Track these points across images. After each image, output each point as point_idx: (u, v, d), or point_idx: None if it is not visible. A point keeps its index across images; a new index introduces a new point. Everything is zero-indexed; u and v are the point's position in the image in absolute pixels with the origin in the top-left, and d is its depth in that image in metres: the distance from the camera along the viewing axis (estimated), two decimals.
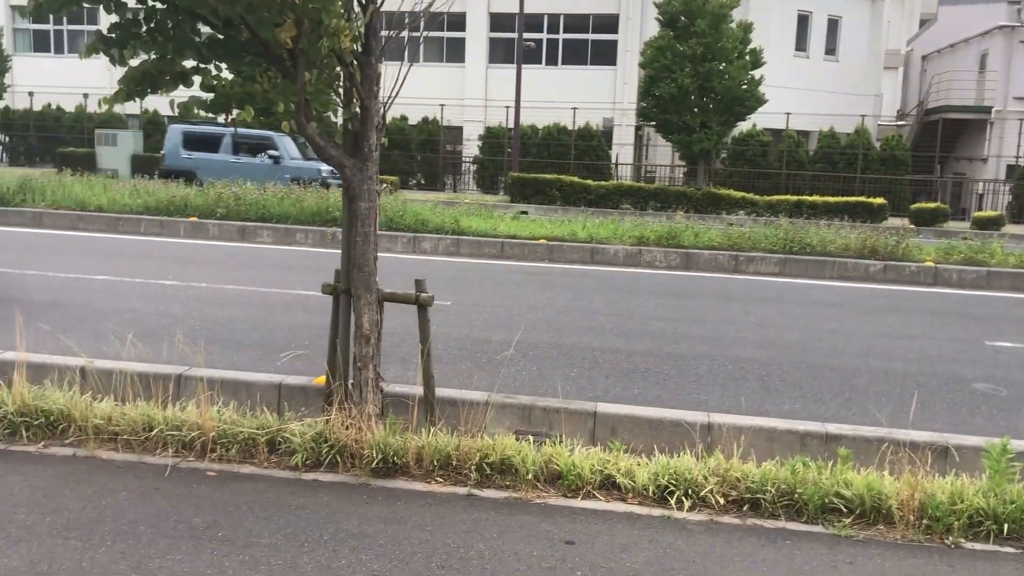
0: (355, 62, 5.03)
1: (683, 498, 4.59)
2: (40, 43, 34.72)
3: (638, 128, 31.26)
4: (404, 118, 28.65)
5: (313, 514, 4.30)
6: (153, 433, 5.02)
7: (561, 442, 5.05)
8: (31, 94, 31.88)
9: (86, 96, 31.19)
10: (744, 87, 24.40)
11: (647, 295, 10.96)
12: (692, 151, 25.31)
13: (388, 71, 5.23)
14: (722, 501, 4.59)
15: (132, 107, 31.17)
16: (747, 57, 24.57)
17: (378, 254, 5.36)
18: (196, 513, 4.25)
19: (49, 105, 31.90)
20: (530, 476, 4.70)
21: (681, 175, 29.60)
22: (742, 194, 23.54)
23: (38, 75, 33.07)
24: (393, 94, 5.22)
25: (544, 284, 11.53)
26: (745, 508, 4.60)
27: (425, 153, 29.90)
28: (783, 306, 10.73)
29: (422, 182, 30.05)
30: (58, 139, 30.84)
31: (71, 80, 32.02)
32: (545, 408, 5.52)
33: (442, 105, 29.02)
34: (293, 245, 14.60)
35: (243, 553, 3.86)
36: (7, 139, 32.22)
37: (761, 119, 26.58)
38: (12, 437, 5.08)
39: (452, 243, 14.39)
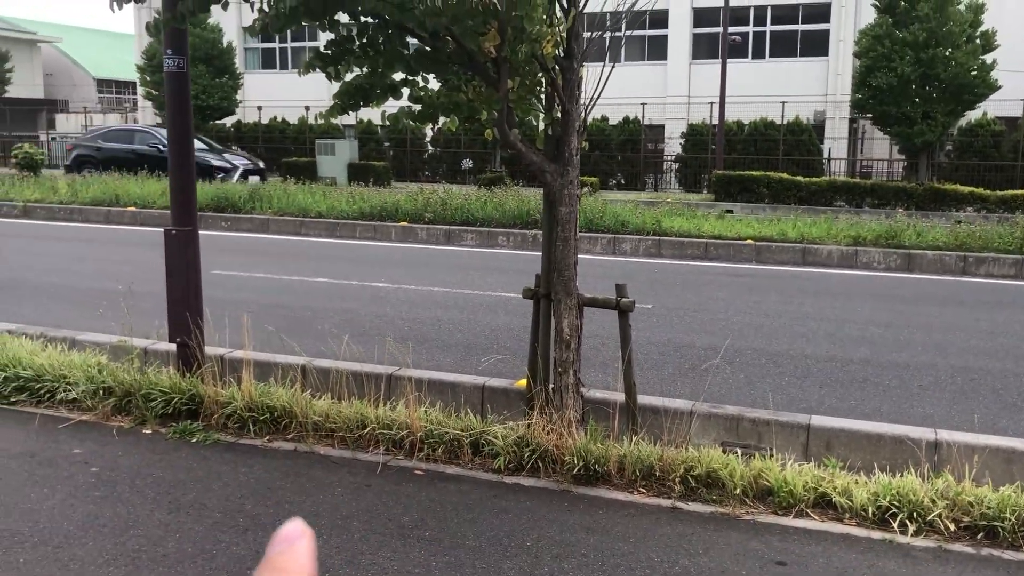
0: (556, 67, 5.04)
1: (907, 521, 4.25)
2: (267, 60, 37.53)
3: (852, 121, 29.65)
4: (604, 119, 28.62)
5: (516, 519, 4.33)
6: (366, 431, 5.24)
7: (771, 456, 4.82)
8: (259, 108, 34.46)
9: (307, 108, 33.34)
10: (973, 73, 22.54)
11: (864, 299, 10.33)
12: (913, 144, 23.67)
13: (588, 73, 5.20)
14: (952, 527, 4.21)
15: (348, 118, 33.11)
16: (977, 41, 22.68)
17: (578, 257, 5.34)
18: (405, 511, 4.38)
19: (275, 118, 34.37)
20: (738, 491, 4.52)
21: (900, 170, 27.78)
22: (970, 189, 21.72)
23: (265, 90, 35.79)
24: (595, 96, 5.19)
25: (751, 287, 11.13)
26: (979, 536, 4.20)
27: (626, 153, 29.71)
28: (1021, 312, 9.79)
29: (622, 182, 29.87)
30: (283, 149, 33.15)
31: (294, 94, 34.38)
32: (754, 419, 5.29)
33: (643, 104, 28.73)
34: (495, 247, 14.91)
35: (449, 554, 3.94)
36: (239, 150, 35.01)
37: (993, 107, 24.47)
38: (241, 431, 5.46)
39: (653, 244, 14.20)
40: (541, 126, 5.49)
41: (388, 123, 5.40)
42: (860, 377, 6.90)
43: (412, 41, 5.06)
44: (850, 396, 6.40)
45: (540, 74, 5.15)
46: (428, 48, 5.01)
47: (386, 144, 32.05)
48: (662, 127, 30.74)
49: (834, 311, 9.50)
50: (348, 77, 5.10)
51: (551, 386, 5.28)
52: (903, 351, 7.75)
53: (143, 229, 16.87)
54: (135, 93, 46.33)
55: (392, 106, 5.46)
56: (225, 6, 4.77)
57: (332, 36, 5.06)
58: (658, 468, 4.72)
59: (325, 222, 16.41)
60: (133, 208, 18.06)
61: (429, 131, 30.31)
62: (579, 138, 5.13)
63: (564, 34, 5.01)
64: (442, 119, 5.32)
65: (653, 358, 7.28)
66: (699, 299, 10.06)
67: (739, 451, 4.88)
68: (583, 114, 5.15)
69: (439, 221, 15.91)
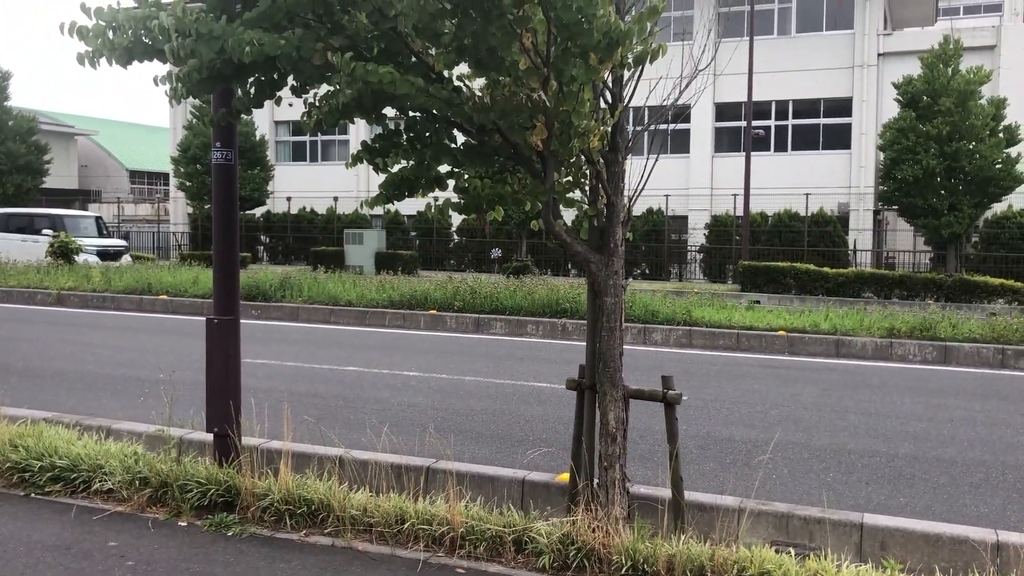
0: (601, 160, 5.08)
1: None
2: (297, 153, 38.34)
3: (876, 212, 29.75)
4: (628, 210, 28.89)
5: None
6: (405, 526, 5.12)
7: (825, 556, 4.65)
8: (288, 199, 35.13)
9: (335, 199, 33.96)
10: (998, 166, 22.69)
11: (903, 392, 10.15)
12: (940, 235, 23.70)
13: (631, 165, 5.24)
14: None
15: (376, 208, 33.86)
16: (1000, 135, 22.91)
17: (623, 348, 5.28)
18: None
19: (304, 208, 35.04)
20: None
21: (926, 261, 27.73)
22: (1001, 281, 21.55)
23: (294, 181, 36.54)
24: (639, 188, 5.23)
25: (786, 378, 10.99)
26: None
27: (650, 243, 29.89)
28: None
29: (647, 272, 29.99)
30: (311, 238, 33.65)
31: (322, 185, 35.16)
32: (805, 517, 5.13)
33: (666, 196, 29.00)
34: (524, 336, 14.87)
35: None
36: (268, 240, 35.54)
37: (1019, 199, 24.54)
38: (277, 524, 5.35)
39: (684, 334, 14.14)
40: (569, 220, 5.48)
41: (433, 215, 5.48)
42: (907, 473, 6.71)
43: (458, 134, 5.13)
44: (899, 493, 6.22)
45: (585, 167, 5.18)
46: (475, 142, 5.07)
47: (412, 234, 32.48)
48: (685, 218, 30.98)
49: (873, 404, 9.32)
50: (395, 169, 5.15)
51: (596, 481, 5.15)
52: (949, 446, 7.56)
53: (175, 317, 17.01)
54: (166, 184, 47.41)
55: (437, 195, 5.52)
56: (278, 102, 4.87)
57: (379, 130, 5.15)
58: (709, 569, 4.54)
59: (355, 310, 16.51)
60: (165, 296, 18.24)
61: (456, 221, 30.78)
62: (623, 229, 5.14)
63: (610, 128, 5.06)
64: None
65: (693, 452, 7.13)
66: (735, 391, 9.93)
67: (792, 551, 4.71)
68: (627, 205, 5.17)
69: (468, 310, 15.95)
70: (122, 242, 29.47)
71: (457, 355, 12.46)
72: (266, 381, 9.74)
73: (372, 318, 16.30)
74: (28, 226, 27.51)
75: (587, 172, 5.20)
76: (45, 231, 26.47)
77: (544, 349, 13.25)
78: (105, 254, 26.41)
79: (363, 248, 28.06)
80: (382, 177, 5.23)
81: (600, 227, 5.15)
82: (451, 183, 5.26)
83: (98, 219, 29.25)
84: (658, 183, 30.53)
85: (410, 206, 27.96)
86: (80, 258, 24.28)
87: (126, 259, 27.17)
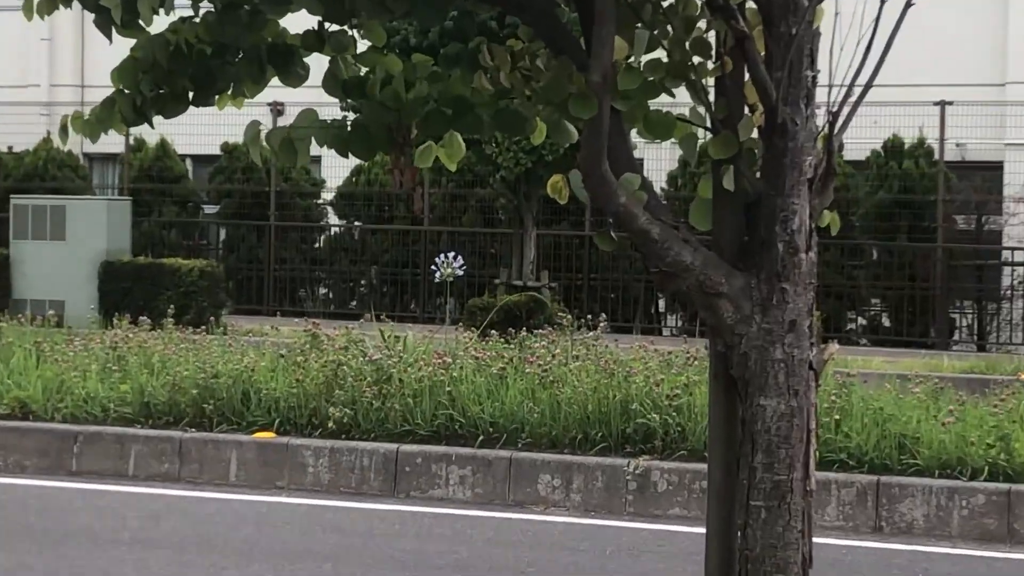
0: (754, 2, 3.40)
1: None
2: None
3: None
4: (828, 145, 19.35)
5: None
6: None
7: None
8: None
9: None
10: None
11: None
12: None
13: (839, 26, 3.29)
14: None
15: (110, 139, 20.22)
16: None
17: (811, 545, 3.23)
18: None
19: None
20: None
21: None
22: None
23: None
24: (856, 88, 3.17)
25: None
26: None
27: (885, 235, 18.17)
28: None
29: (881, 317, 18.39)
30: None
31: None
32: None
33: (940, 103, 17.68)
34: (525, 507, 9.00)
35: None
36: None
37: None
38: None
39: (992, 506, 8.92)
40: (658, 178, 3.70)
41: (268, 156, 3.45)
42: None
43: None
44: None
45: (703, 20, 3.51)
46: None
47: (209, 211, 21.34)
48: (998, 168, 19.08)
49: None
50: (158, 26, 3.35)
51: None
52: None
53: None
54: None
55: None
56: None
57: None
58: None
59: (39, 432, 10.29)
60: None
61: (333, 176, 19.12)
62: (816, 199, 3.25)
63: None
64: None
65: None
66: None
67: None
68: (824, 132, 3.27)
69: (367, 431, 9.77)
70: None
71: (334, 569, 7.51)
72: None
73: (90, 453, 10.04)
74: None
75: (707, 37, 3.58)
76: None
77: (582, 545, 8.19)
78: None
79: (64, 251, 17.44)
80: (124, 48, 3.27)
81: (749, 191, 3.35)
82: (318, 65, 3.39)
83: None
84: (909, 74, 15.88)
85: (202, 137, 16.96)
86: None
87: None
